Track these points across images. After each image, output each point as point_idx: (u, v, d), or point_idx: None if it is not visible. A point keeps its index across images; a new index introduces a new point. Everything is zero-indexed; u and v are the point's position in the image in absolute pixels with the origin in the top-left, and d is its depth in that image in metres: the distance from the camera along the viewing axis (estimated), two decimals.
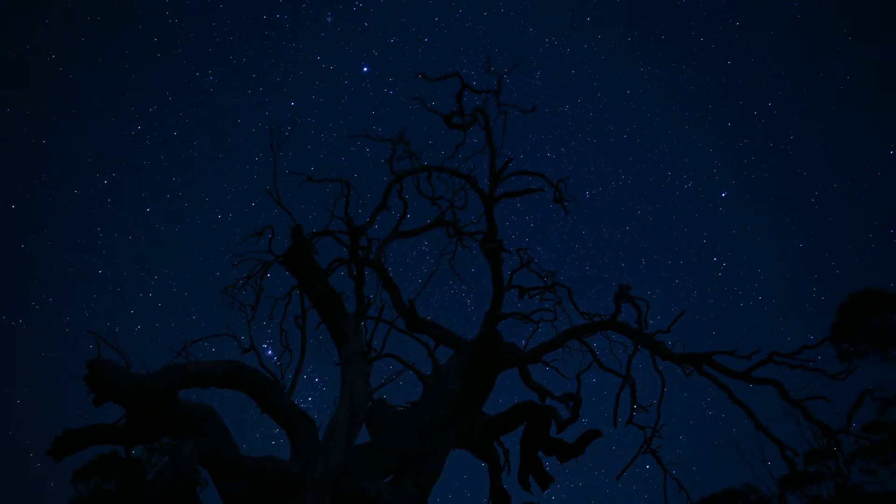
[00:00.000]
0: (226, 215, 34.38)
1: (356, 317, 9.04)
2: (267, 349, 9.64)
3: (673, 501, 9.27)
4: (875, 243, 32.22)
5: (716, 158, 35.73)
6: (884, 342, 16.11)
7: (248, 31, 35.18)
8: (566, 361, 9.55)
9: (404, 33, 35.80)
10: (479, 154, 9.41)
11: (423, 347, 9.70)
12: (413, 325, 9.48)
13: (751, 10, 34.85)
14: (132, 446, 7.31)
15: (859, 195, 34.18)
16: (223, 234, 34.96)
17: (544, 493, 8.85)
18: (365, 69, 34.66)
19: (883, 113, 34.52)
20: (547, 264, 9.97)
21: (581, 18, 34.61)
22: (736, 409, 8.22)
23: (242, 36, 35.10)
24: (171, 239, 35.34)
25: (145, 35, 32.67)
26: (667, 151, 36.04)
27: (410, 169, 9.98)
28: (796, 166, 35.91)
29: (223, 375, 7.17)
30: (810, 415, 8.08)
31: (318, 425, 7.71)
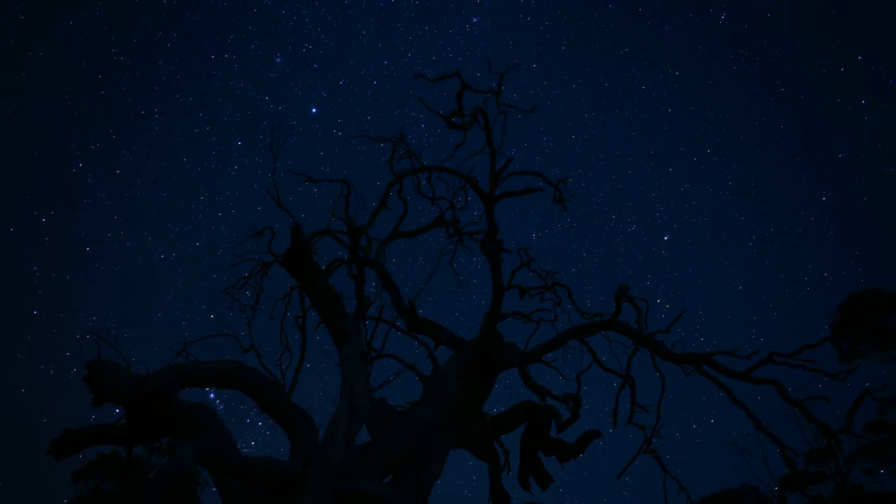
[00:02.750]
0: (169, 255, 33.80)
1: (356, 317, 9.03)
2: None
3: (673, 501, 9.26)
4: (810, 286, 33.54)
5: (658, 203, 37.25)
6: (884, 342, 16.10)
7: (195, 70, 34.89)
8: (566, 361, 9.55)
9: (353, 75, 36.16)
10: (479, 154, 9.43)
11: (423, 347, 9.70)
12: (413, 325, 9.47)
13: (689, 61, 36.67)
14: (132, 446, 7.30)
15: (794, 239, 35.87)
16: (166, 273, 34.08)
17: (544, 493, 8.86)
18: (314, 110, 34.63)
19: (815, 161, 36.47)
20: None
21: (527, 65, 35.15)
22: (736, 409, 8.21)
23: (190, 75, 34.77)
24: (110, 279, 34.41)
25: (89, 71, 32.16)
26: (611, 195, 37.21)
27: (410, 169, 9.98)
28: (734, 211, 37.56)
29: (223, 375, 7.16)
30: (810, 415, 8.07)
31: (318, 425, 7.71)
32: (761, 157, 37.28)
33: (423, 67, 34.54)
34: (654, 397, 8.71)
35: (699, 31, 35.25)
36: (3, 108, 31.54)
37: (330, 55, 36.03)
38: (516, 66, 9.09)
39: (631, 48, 36.54)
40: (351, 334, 8.70)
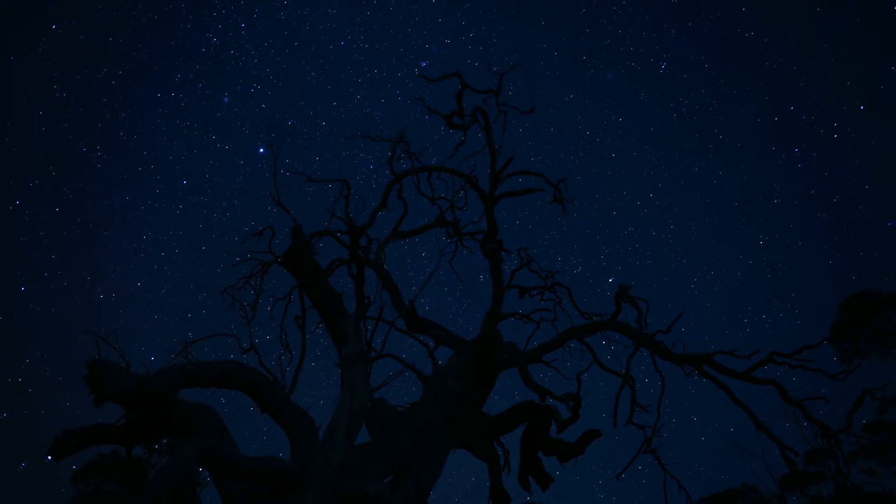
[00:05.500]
0: (108, 295, 32.62)
1: (356, 317, 9.02)
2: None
3: (673, 501, 9.25)
4: (749, 328, 34.40)
5: (602, 245, 37.74)
6: (884, 341, 16.12)
7: (140, 108, 34.03)
8: (566, 361, 9.56)
9: (302, 116, 35.52)
10: (479, 154, 9.44)
11: (423, 347, 9.70)
12: (413, 325, 9.47)
13: (632, 108, 38.06)
14: (132, 446, 7.31)
15: (734, 282, 37.04)
16: (103, 314, 32.90)
17: (544, 493, 8.86)
18: (261, 150, 33.52)
19: (752, 206, 37.88)
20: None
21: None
22: (736, 409, 8.22)
23: (135, 112, 33.96)
24: (44, 320, 32.82)
25: (31, 107, 31.39)
26: (557, 238, 37.42)
27: (410, 169, 9.98)
28: (676, 254, 38.57)
29: (223, 375, 7.16)
30: (810, 415, 8.08)
31: (318, 425, 7.71)
32: (701, 201, 39.19)
33: (372, 110, 34.82)
34: (654, 397, 8.71)
35: (640, 80, 36.71)
36: None
37: (278, 96, 36.18)
38: (515, 68, 9.12)
39: (575, 94, 38.00)
40: (351, 334, 8.70)
